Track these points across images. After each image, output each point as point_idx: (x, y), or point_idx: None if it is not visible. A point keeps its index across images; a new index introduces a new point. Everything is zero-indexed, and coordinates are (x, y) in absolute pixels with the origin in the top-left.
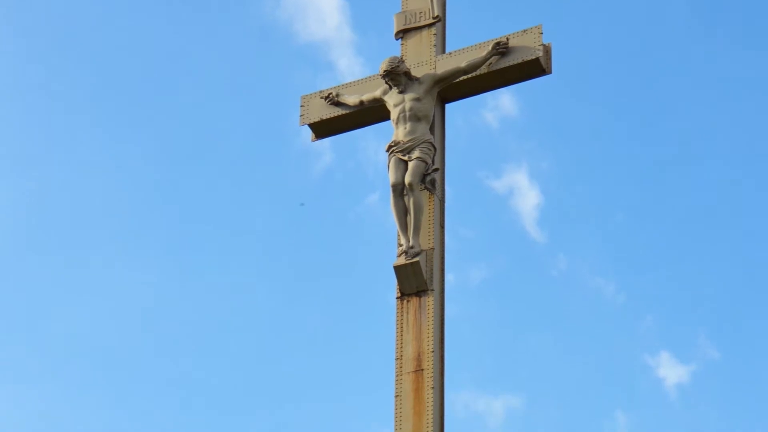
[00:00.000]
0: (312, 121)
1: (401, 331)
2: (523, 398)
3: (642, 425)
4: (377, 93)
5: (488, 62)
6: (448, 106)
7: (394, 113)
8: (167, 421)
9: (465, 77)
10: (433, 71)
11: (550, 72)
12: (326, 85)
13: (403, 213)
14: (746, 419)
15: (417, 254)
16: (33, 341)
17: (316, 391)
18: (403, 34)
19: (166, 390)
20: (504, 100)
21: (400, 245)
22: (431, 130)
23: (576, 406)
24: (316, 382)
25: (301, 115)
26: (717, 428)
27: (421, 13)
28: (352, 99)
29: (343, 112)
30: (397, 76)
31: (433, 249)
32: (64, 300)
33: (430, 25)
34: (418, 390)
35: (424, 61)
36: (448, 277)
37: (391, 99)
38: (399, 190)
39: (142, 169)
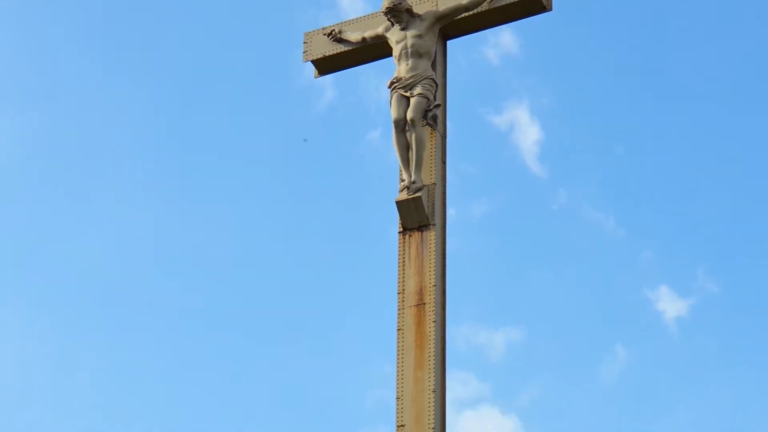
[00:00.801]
0: (315, 58)
1: (403, 266)
2: (523, 331)
3: (641, 358)
4: (379, 30)
5: None
6: (449, 43)
7: (396, 50)
8: (169, 352)
9: (466, 14)
10: (434, 8)
11: (550, 9)
12: (329, 22)
13: (405, 149)
14: (745, 352)
15: (419, 189)
16: (38, 274)
17: (319, 326)
18: None
19: (168, 321)
20: (505, 36)
21: (402, 180)
22: (433, 66)
23: (576, 340)
24: (318, 316)
25: (304, 52)
26: (716, 361)
27: None
28: (354, 36)
29: (346, 48)
30: (399, 13)
31: (434, 184)
32: (68, 232)
33: None
34: (419, 323)
35: None
36: (450, 212)
37: (393, 36)
38: (401, 126)
39: (146, 106)
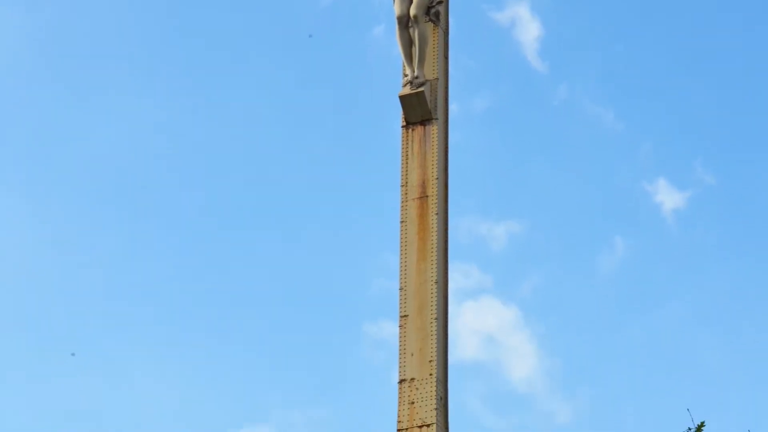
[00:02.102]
0: None
1: (406, 159)
2: (524, 224)
3: (640, 250)
4: None
5: None
6: None
7: None
8: (177, 244)
9: None
10: None
11: None
12: None
13: (408, 44)
14: (741, 243)
15: (422, 84)
16: (51, 163)
17: (324, 218)
18: None
19: (176, 214)
20: None
21: (405, 75)
22: None
23: (575, 232)
24: (323, 209)
25: None
26: (712, 252)
27: None
28: None
29: None
30: None
31: (437, 79)
32: (80, 124)
33: None
34: (422, 216)
35: None
36: (452, 107)
37: None
38: (404, 21)
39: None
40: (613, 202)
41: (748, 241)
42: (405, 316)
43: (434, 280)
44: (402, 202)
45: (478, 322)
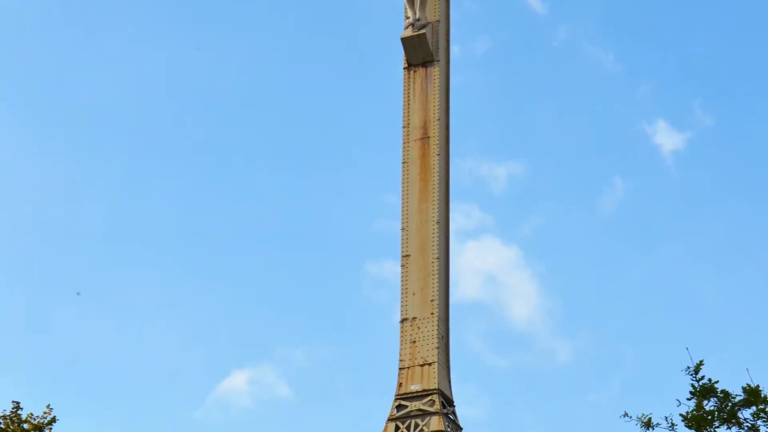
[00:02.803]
0: None
1: (408, 100)
2: (525, 164)
3: (639, 190)
4: None
5: None
6: None
7: None
8: (179, 182)
9: None
10: None
11: None
12: None
13: None
14: (739, 183)
15: (423, 26)
16: (58, 105)
17: (327, 158)
18: None
19: (179, 150)
20: None
21: (407, 18)
22: None
23: (576, 172)
24: (326, 150)
25: None
26: (711, 192)
27: None
28: None
29: None
30: None
31: (438, 21)
32: (87, 64)
33: None
34: (424, 156)
35: None
36: (453, 49)
37: None
38: None
39: None
40: (612, 143)
41: (745, 182)
42: (407, 255)
43: (435, 220)
44: (404, 143)
45: (479, 262)
